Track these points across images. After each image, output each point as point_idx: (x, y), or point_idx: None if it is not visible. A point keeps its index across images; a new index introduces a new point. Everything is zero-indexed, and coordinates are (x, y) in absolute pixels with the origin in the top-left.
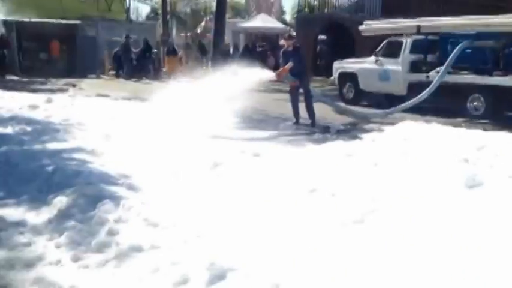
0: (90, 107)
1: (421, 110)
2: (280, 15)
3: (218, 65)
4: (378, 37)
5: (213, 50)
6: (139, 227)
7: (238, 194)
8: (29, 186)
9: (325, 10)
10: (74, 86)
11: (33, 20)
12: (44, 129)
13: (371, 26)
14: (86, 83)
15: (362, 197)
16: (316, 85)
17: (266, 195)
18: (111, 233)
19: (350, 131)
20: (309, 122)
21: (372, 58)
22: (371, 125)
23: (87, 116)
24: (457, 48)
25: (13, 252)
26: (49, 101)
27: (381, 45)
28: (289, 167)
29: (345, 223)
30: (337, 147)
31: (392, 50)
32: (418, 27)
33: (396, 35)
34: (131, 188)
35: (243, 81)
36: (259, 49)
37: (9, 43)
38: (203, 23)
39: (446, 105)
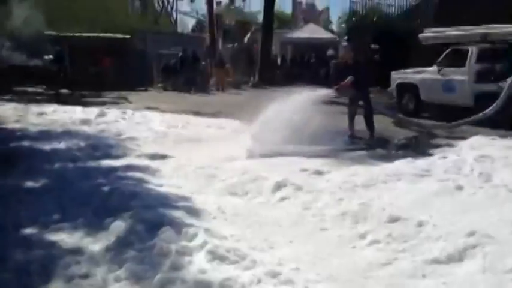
0: (141, 121)
1: (484, 122)
2: (327, 25)
3: (266, 77)
4: (435, 46)
5: (260, 61)
6: (205, 260)
7: (307, 222)
8: (84, 208)
9: (374, 19)
10: (124, 98)
11: (84, 34)
12: (97, 145)
13: (433, 35)
14: (136, 96)
15: (455, 228)
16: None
17: (339, 224)
18: (175, 266)
19: (414, 146)
20: (365, 135)
21: (435, 68)
22: (437, 140)
23: (139, 131)
24: None
25: (70, 286)
26: (101, 115)
27: (444, 54)
28: (359, 189)
29: (439, 260)
30: (408, 164)
31: (457, 59)
32: (485, 34)
33: (459, 43)
34: (192, 212)
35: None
36: (312, 60)
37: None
38: (249, 34)
39: None
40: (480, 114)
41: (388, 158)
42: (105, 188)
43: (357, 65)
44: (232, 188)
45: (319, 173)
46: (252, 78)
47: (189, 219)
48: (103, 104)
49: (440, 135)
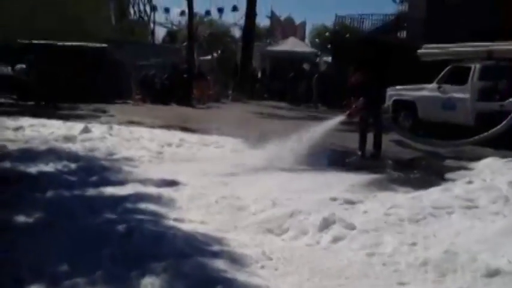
0: (130, 137)
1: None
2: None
3: (246, 90)
4: (428, 62)
5: (240, 74)
6: None
7: (378, 273)
8: (99, 255)
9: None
10: (104, 112)
11: (59, 43)
12: (90, 167)
13: (434, 51)
14: (116, 109)
15: None
16: None
17: (420, 278)
18: None
19: (427, 168)
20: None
21: (434, 85)
22: (445, 161)
23: (131, 149)
24: None
25: None
26: (86, 131)
27: (444, 71)
28: (407, 225)
29: None
30: (445, 193)
31: (458, 77)
32: (490, 51)
33: (459, 60)
34: (235, 260)
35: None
36: (291, 74)
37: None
38: (222, 47)
39: None
40: (489, 132)
41: (412, 183)
42: (120, 227)
43: (366, 84)
44: (267, 224)
45: (351, 202)
46: (231, 92)
47: (236, 272)
48: (82, 117)
49: (445, 155)
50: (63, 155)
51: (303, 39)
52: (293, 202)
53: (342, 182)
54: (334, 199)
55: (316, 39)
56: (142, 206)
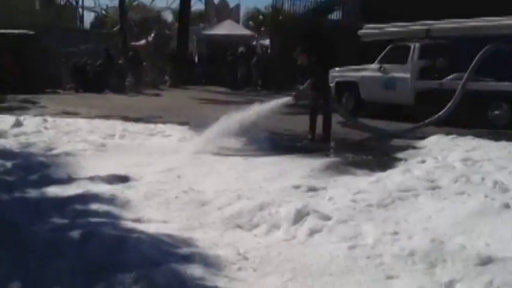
0: (68, 130)
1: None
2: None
3: (183, 76)
4: (365, 43)
5: (177, 59)
6: None
7: (364, 267)
8: (54, 268)
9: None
10: (34, 103)
11: None
12: (29, 165)
13: (373, 31)
14: (47, 100)
15: None
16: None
17: (409, 269)
18: None
19: (377, 149)
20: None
21: (375, 65)
22: (394, 141)
23: (71, 143)
24: (482, 52)
25: None
26: (17, 124)
27: (385, 50)
28: (377, 211)
29: None
30: (405, 174)
31: (399, 56)
32: (428, 31)
33: (400, 39)
34: (210, 264)
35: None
36: (229, 58)
37: None
38: (153, 32)
39: (464, 115)
40: (435, 117)
41: (368, 165)
42: (74, 234)
43: (313, 67)
44: (235, 219)
45: (314, 189)
46: (168, 78)
47: (214, 278)
48: (9, 109)
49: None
50: None
51: (237, 22)
52: (257, 193)
53: (299, 168)
54: (297, 187)
55: (250, 22)
56: (95, 206)
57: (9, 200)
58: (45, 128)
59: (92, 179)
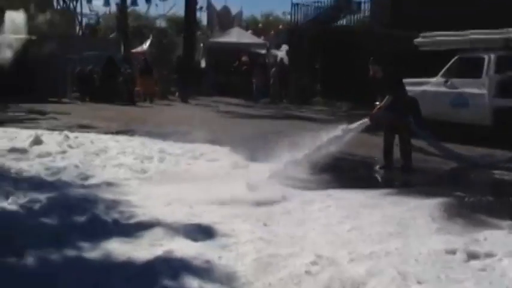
0: (95, 149)
1: None
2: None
3: (191, 85)
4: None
5: (184, 68)
6: None
7: None
8: None
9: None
10: (42, 113)
11: None
12: (68, 200)
13: (434, 39)
14: (55, 109)
15: None
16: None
17: None
18: None
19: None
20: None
21: (439, 78)
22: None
23: (107, 168)
24: None
25: None
26: (37, 141)
27: (451, 62)
28: None
29: None
30: None
31: (470, 69)
32: (507, 40)
33: (464, 50)
34: None
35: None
36: (243, 67)
37: None
38: (149, 40)
39: None
40: None
41: (493, 210)
42: None
43: (387, 80)
44: None
45: (476, 257)
46: (175, 87)
47: None
48: (18, 121)
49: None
50: (21, 180)
51: (242, 29)
52: (416, 266)
53: (415, 215)
54: (451, 252)
55: (250, 30)
56: (194, 285)
57: (63, 264)
58: (70, 146)
59: (163, 227)
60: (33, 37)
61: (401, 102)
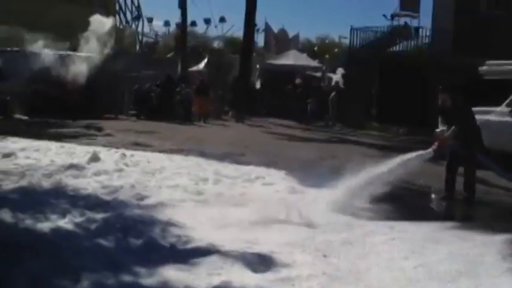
0: (151, 169)
1: None
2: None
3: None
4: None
5: (240, 89)
6: None
7: None
8: None
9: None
10: (98, 129)
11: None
12: (124, 221)
13: (501, 68)
14: (111, 127)
15: None
16: (375, 133)
17: None
18: None
19: None
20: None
21: (504, 108)
22: None
23: (162, 188)
24: None
25: None
26: (95, 159)
27: None
28: None
29: None
30: None
31: None
32: None
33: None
34: None
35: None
36: (298, 90)
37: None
38: (206, 59)
39: None
40: None
41: None
42: None
43: (455, 108)
44: None
45: None
46: (229, 108)
47: None
48: (75, 137)
49: None
50: (78, 198)
51: (298, 51)
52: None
53: (485, 253)
54: None
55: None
56: None
57: None
58: (126, 165)
59: (220, 254)
60: (93, 54)
61: (470, 133)
